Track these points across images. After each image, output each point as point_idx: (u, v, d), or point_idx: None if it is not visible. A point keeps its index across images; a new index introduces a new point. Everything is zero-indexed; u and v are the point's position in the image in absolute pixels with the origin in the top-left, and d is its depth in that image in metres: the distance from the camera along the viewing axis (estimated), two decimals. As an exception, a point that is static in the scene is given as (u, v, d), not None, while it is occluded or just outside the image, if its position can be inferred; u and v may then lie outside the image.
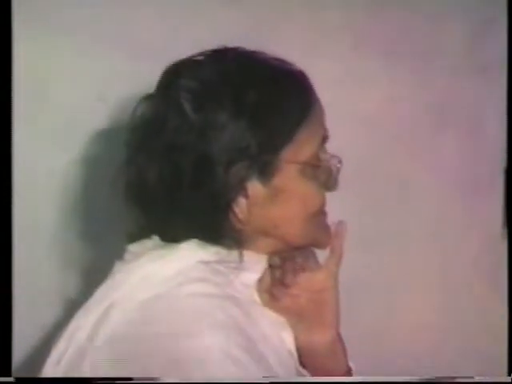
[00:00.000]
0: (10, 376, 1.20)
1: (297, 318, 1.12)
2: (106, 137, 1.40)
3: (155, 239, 1.10)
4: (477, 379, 1.17)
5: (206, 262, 1.07)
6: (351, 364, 1.16)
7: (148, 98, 1.10)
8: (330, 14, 1.59)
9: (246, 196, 1.05)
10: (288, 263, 1.13)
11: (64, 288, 1.41)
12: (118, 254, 1.12)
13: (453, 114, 1.74)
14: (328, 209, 1.13)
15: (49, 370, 1.06)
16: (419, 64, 1.69)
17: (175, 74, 1.08)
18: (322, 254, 1.16)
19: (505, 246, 1.66)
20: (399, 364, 1.54)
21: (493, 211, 1.78)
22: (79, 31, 1.38)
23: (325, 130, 1.10)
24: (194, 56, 1.10)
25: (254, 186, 1.05)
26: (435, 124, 1.73)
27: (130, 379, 0.99)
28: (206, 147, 1.03)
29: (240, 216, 1.05)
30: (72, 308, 1.10)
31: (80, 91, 1.39)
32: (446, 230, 1.75)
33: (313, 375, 1.12)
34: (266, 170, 1.05)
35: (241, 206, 1.05)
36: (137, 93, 1.13)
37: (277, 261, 1.12)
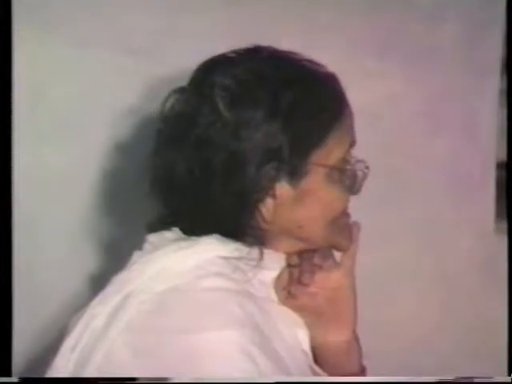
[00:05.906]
0: (10, 376, 1.20)
1: (313, 316, 1.13)
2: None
3: (175, 231, 1.10)
4: (477, 379, 1.19)
5: (226, 258, 1.07)
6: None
7: (179, 91, 1.09)
8: (328, 12, 1.59)
9: (274, 196, 1.05)
10: (306, 262, 1.13)
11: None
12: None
13: (448, 112, 1.75)
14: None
15: (65, 355, 1.06)
16: (416, 63, 1.69)
17: (210, 71, 1.07)
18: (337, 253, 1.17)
19: (499, 240, 1.68)
20: (396, 364, 1.55)
21: (485, 206, 1.80)
22: (79, 29, 1.38)
23: (353, 134, 1.10)
24: (227, 53, 1.09)
25: (283, 188, 1.06)
26: (430, 122, 1.73)
27: (134, 379, 0.99)
28: (239, 146, 1.03)
29: (266, 216, 1.06)
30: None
31: (79, 89, 1.39)
32: (439, 225, 1.76)
33: (327, 374, 1.12)
34: (295, 173, 1.05)
35: (267, 206, 1.05)
36: (136, 90, 1.13)
37: (295, 259, 1.13)
